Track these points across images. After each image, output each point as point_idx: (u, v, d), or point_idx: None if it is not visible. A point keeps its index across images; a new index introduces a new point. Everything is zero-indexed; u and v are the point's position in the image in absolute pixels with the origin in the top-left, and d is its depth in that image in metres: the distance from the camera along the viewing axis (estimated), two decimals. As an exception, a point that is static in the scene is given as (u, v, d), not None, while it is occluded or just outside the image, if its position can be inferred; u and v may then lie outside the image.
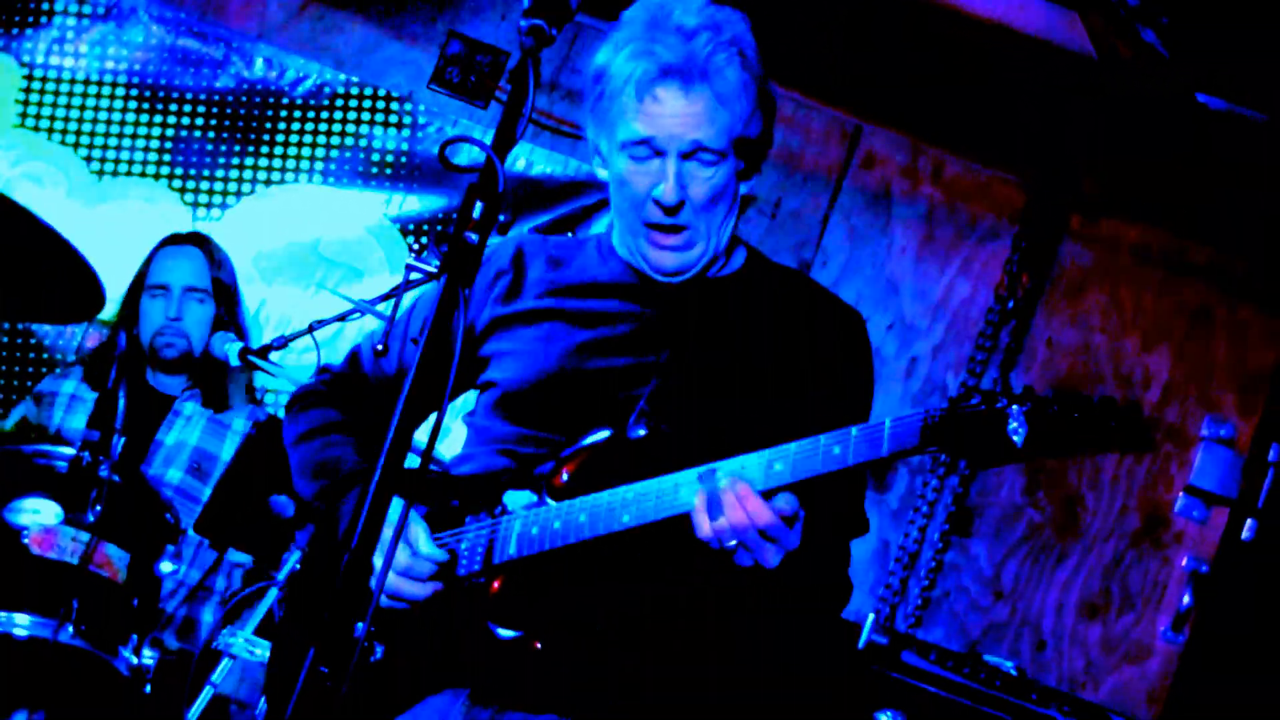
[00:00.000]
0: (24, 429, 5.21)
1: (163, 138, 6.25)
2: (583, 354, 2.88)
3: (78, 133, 6.26)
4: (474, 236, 2.31)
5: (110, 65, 6.28)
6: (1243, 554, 5.37)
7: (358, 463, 2.98)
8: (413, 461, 2.36)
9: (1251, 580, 5.35)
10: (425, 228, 6.16)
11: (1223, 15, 4.65)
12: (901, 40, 5.62)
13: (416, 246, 6.16)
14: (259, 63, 6.26)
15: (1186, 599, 5.54)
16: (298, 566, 4.43)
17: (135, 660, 4.31)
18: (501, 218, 2.32)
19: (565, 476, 2.77)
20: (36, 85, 6.27)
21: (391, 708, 2.79)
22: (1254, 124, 5.14)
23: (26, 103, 6.27)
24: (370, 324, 4.94)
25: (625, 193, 2.87)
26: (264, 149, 6.24)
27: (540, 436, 2.85)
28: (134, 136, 6.25)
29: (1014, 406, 2.40)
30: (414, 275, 2.51)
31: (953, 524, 5.76)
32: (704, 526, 2.54)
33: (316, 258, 6.20)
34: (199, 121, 6.25)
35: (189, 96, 6.26)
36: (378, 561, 2.24)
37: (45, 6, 6.29)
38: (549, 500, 2.75)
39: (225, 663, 4.41)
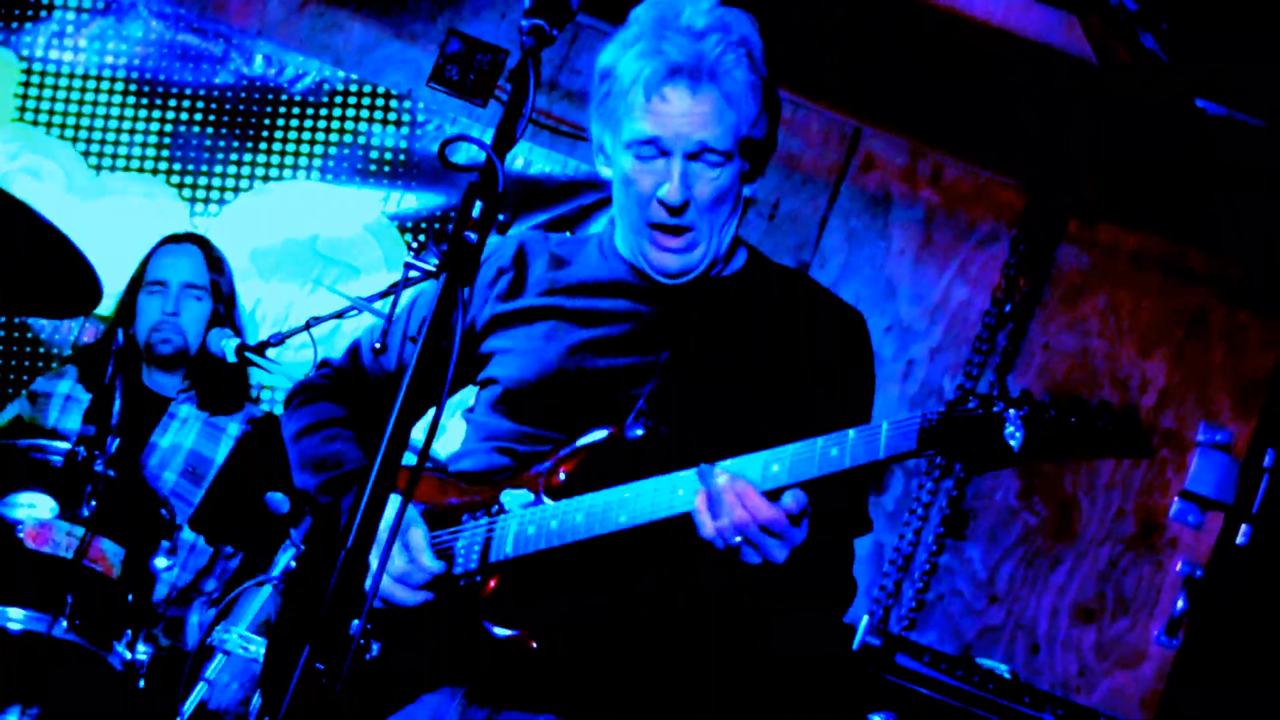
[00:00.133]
0: (18, 427, 5.21)
1: (161, 133, 6.25)
2: (583, 353, 2.87)
3: (76, 127, 6.26)
4: (473, 235, 2.30)
5: (109, 60, 6.27)
6: (1237, 559, 5.38)
7: (360, 458, 2.98)
8: (410, 459, 2.36)
9: (1245, 586, 5.36)
10: (423, 226, 6.16)
11: (1222, 20, 4.65)
12: (900, 43, 5.63)
13: (415, 244, 6.15)
14: (258, 59, 6.25)
15: (1180, 604, 5.55)
16: (292, 564, 4.45)
17: (129, 656, 4.31)
18: (501, 217, 2.31)
19: (563, 476, 2.76)
20: (35, 79, 6.27)
21: (387, 706, 2.78)
22: (1253, 129, 5.14)
23: (25, 97, 6.27)
24: (368, 321, 4.94)
25: (629, 192, 2.86)
26: (263, 145, 6.24)
27: (539, 435, 2.85)
28: (133, 132, 6.25)
29: (1011, 410, 2.40)
30: (413, 273, 2.50)
31: (947, 527, 5.76)
32: (707, 526, 2.54)
33: (314, 255, 6.20)
34: (198, 117, 6.25)
35: (188, 92, 6.26)
36: (374, 560, 2.23)
37: (45, 1, 6.29)
38: (546, 499, 2.75)
39: (219, 659, 4.41)
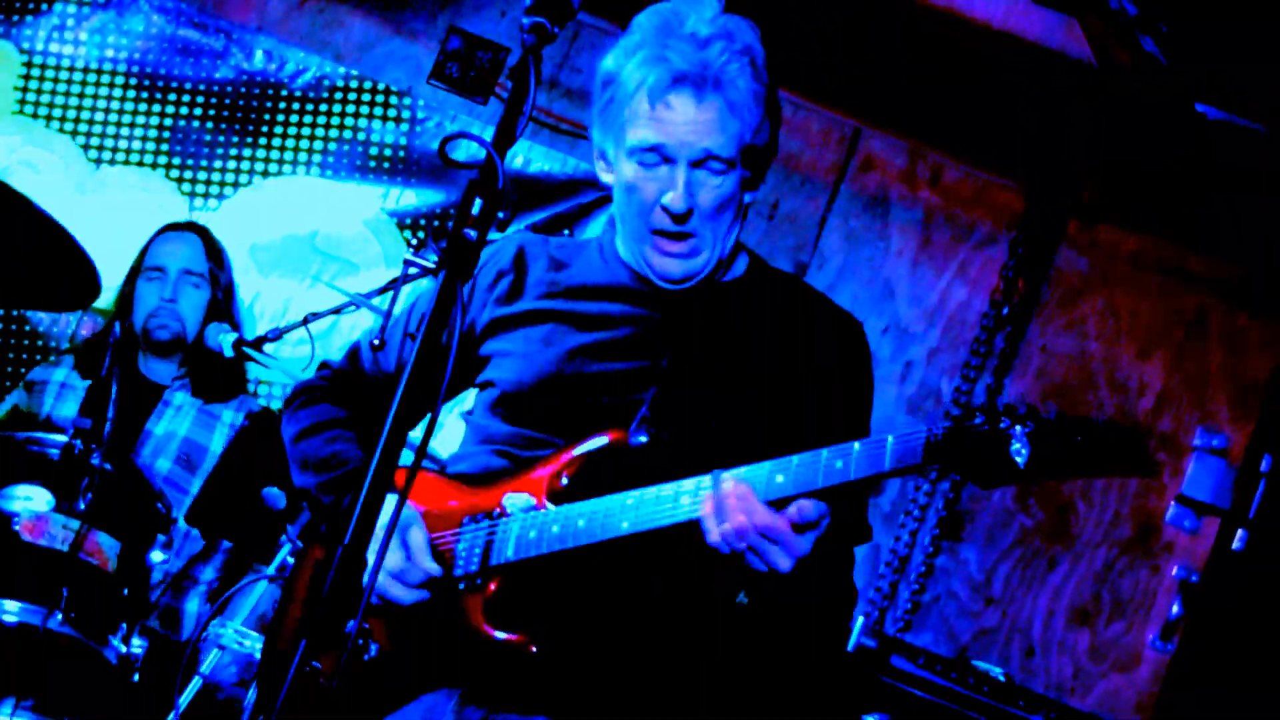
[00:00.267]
0: (15, 417, 5.21)
1: (161, 127, 6.25)
2: (582, 357, 2.87)
3: (76, 120, 6.26)
4: (473, 233, 2.30)
5: (110, 54, 6.27)
6: (1233, 564, 5.38)
7: (362, 458, 2.98)
8: (407, 458, 2.36)
9: (1241, 591, 5.36)
10: (422, 222, 6.16)
11: (1222, 23, 4.65)
12: (900, 44, 5.62)
13: (414, 241, 6.16)
14: (259, 54, 6.25)
15: (1176, 608, 5.55)
16: (289, 559, 4.45)
17: (124, 649, 4.31)
18: (500, 215, 2.31)
19: (565, 481, 2.76)
20: (36, 72, 6.27)
21: (384, 705, 2.79)
22: (1252, 132, 5.14)
23: (25, 89, 6.27)
24: (366, 319, 4.94)
25: (632, 199, 2.86)
26: (262, 141, 6.24)
27: (538, 438, 2.85)
28: (132, 125, 6.25)
29: (1017, 427, 2.39)
30: (412, 270, 2.51)
31: (944, 528, 5.76)
32: (713, 531, 2.54)
33: (313, 250, 6.20)
34: (198, 112, 6.25)
35: (188, 87, 6.26)
36: (371, 558, 2.23)
37: (46, -7, 6.30)
38: (548, 504, 2.75)
39: (214, 653, 4.41)
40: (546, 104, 6.11)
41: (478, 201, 2.31)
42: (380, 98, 6.21)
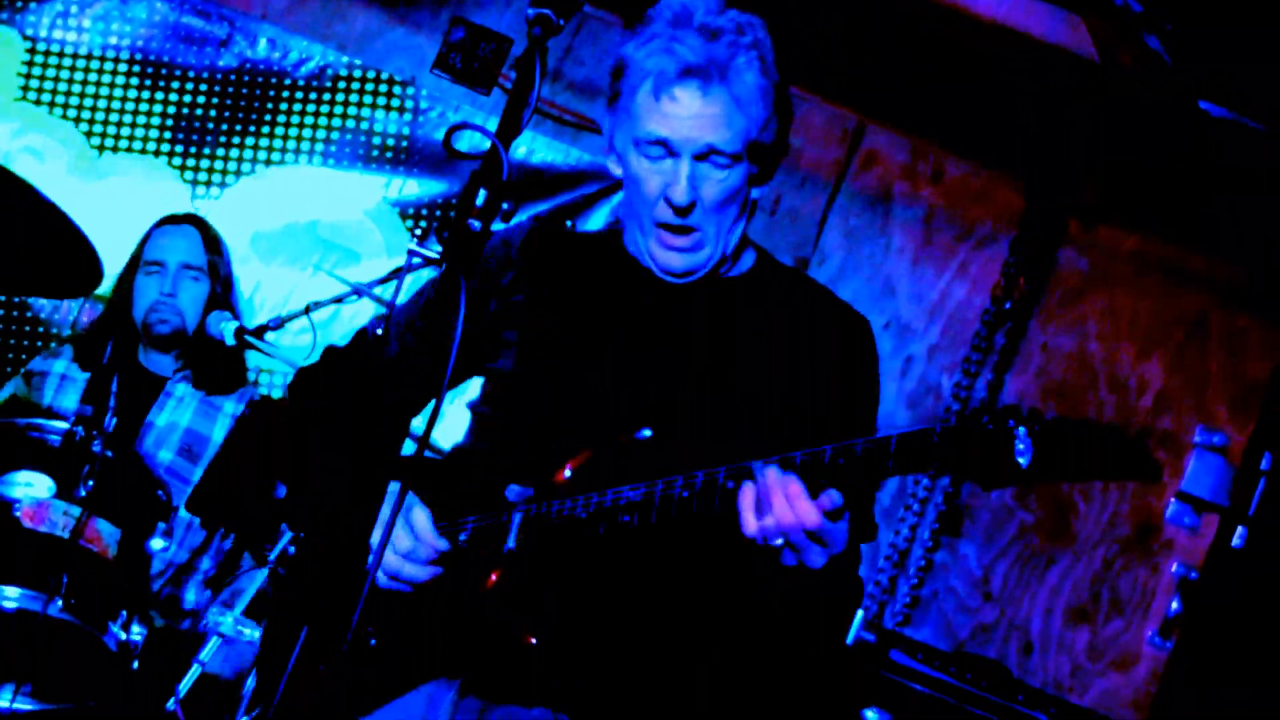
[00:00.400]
0: (14, 405, 5.21)
1: (164, 115, 6.25)
2: (588, 350, 2.88)
3: (79, 107, 6.25)
4: (476, 224, 2.30)
5: (113, 41, 6.27)
6: (1232, 562, 5.38)
7: (356, 459, 2.98)
8: (410, 448, 2.36)
9: (1240, 589, 5.36)
10: (424, 212, 6.16)
11: (1227, 22, 4.64)
12: (902, 41, 5.62)
13: (417, 231, 6.16)
14: (262, 43, 6.25)
15: (1175, 605, 5.55)
16: (290, 547, 4.45)
17: (124, 636, 4.31)
18: (504, 205, 2.31)
19: (569, 473, 2.77)
20: (39, 59, 6.26)
21: (383, 694, 2.79)
22: (1255, 132, 5.13)
23: (29, 76, 6.26)
24: (367, 306, 4.94)
25: (638, 191, 2.86)
26: (265, 129, 6.24)
27: (543, 430, 2.85)
28: (135, 113, 6.25)
29: (1021, 429, 2.39)
30: (415, 260, 2.50)
31: (943, 524, 5.76)
32: (750, 524, 2.51)
33: (315, 239, 6.20)
34: (200, 100, 6.25)
35: (191, 74, 6.25)
36: (375, 545, 2.24)
37: (50, -20, 6.29)
38: (552, 496, 2.76)
39: (214, 641, 4.42)
40: (550, 95, 6.11)
41: (481, 192, 2.31)
42: (384, 88, 6.21)
